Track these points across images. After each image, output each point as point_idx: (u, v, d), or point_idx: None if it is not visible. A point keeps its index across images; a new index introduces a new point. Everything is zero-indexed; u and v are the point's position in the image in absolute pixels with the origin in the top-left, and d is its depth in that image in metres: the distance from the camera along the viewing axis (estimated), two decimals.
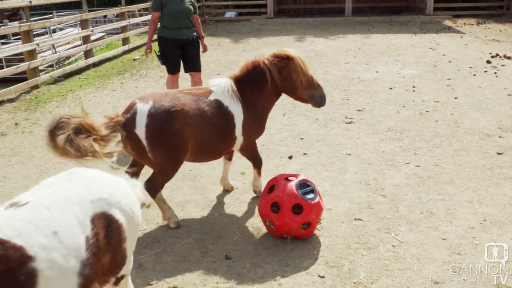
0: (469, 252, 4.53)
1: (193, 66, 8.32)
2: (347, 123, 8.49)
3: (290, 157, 6.99)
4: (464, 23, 22.61)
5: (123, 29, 17.91)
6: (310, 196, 4.68)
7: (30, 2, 12.24)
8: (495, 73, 11.97)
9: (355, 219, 5.21)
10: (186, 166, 6.72)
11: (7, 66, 13.25)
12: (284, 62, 5.09)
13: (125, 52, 17.27)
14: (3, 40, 17.18)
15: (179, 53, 8.20)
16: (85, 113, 3.79)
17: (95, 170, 2.95)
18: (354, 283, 4.15)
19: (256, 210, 5.24)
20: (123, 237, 2.76)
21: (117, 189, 2.82)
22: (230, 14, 28.53)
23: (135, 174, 5.11)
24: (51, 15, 21.27)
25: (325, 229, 5.01)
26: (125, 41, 17.76)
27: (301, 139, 7.73)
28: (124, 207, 2.77)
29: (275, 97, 5.41)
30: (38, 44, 12.62)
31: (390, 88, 10.81)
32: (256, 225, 5.16)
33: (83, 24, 15.47)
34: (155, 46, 8.29)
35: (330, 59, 14.68)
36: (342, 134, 7.90)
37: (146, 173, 5.09)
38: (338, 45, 17.27)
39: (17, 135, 8.47)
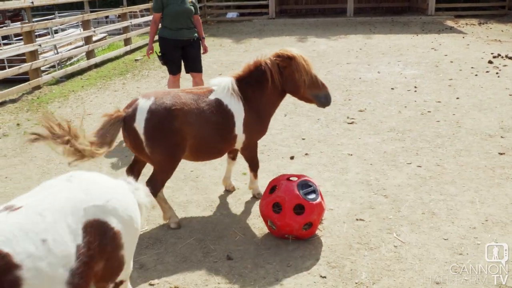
0: (471, 252, 4.52)
1: (194, 67, 8.32)
2: (348, 123, 8.49)
3: (292, 158, 6.99)
4: (466, 23, 22.60)
5: (125, 29, 17.93)
6: (312, 196, 4.68)
7: (32, 2, 12.25)
8: (497, 73, 11.96)
9: (357, 219, 5.21)
10: (188, 167, 6.73)
11: (9, 67, 13.28)
12: (286, 62, 5.06)
13: (127, 53, 17.29)
14: (5, 41, 17.18)
15: (180, 54, 8.20)
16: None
17: (96, 174, 2.92)
18: (356, 283, 4.15)
19: (258, 211, 5.24)
20: (120, 244, 2.71)
21: (115, 195, 2.76)
22: (231, 14, 28.56)
23: (136, 173, 5.18)
24: (53, 15, 21.30)
25: (326, 230, 5.01)
26: (127, 41, 17.77)
27: (303, 139, 7.73)
28: (121, 213, 2.72)
29: (278, 97, 5.37)
30: (40, 45, 12.63)
31: (392, 89, 10.81)
32: (258, 225, 5.16)
33: (85, 24, 15.48)
34: (157, 46, 8.29)
35: (332, 59, 14.69)
36: (343, 135, 7.90)
37: (146, 173, 5.09)
38: (340, 46, 17.27)
39: (19, 135, 8.48)
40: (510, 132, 7.68)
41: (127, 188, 2.96)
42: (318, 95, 5.20)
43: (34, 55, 12.14)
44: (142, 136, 4.62)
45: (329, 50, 16.31)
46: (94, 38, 16.27)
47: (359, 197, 5.72)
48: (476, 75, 11.86)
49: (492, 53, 14.44)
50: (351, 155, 7.04)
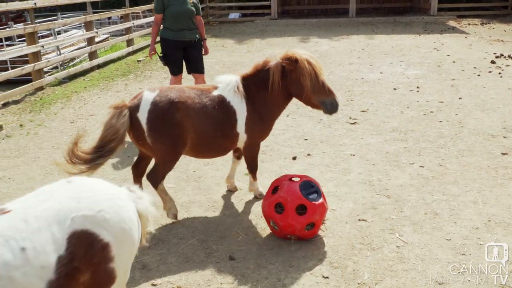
0: (474, 252, 4.52)
1: (196, 68, 8.32)
2: (351, 123, 8.49)
3: (294, 158, 7.00)
4: (468, 24, 22.58)
5: (127, 30, 17.94)
6: (314, 196, 4.68)
7: (35, 4, 12.29)
8: (499, 73, 11.95)
9: (359, 219, 5.21)
10: (190, 167, 6.74)
11: (12, 68, 13.30)
12: (293, 65, 4.98)
13: (129, 54, 17.31)
14: (8, 42, 17.21)
15: (181, 55, 8.20)
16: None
17: (97, 180, 2.86)
18: (358, 283, 4.15)
19: (260, 211, 5.24)
20: (109, 256, 2.59)
21: (110, 205, 2.64)
22: (234, 15, 28.56)
23: (141, 170, 5.29)
24: (56, 17, 21.33)
25: (329, 230, 5.01)
26: (129, 42, 17.80)
27: (305, 139, 7.73)
28: (113, 225, 2.60)
29: (284, 100, 5.32)
30: (42, 46, 12.64)
31: (394, 89, 10.81)
32: (260, 226, 5.16)
33: (88, 25, 15.49)
34: (159, 47, 8.30)
35: (334, 60, 14.69)
36: (346, 135, 7.90)
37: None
38: (342, 46, 17.27)
39: (22, 136, 8.50)
40: None
41: (127, 198, 2.85)
42: (324, 101, 5.09)
43: (37, 56, 12.16)
44: (145, 127, 4.75)
45: (331, 51, 16.31)
46: (96, 39, 16.29)
47: (362, 198, 5.72)
48: (479, 75, 11.85)
49: (494, 53, 14.43)
50: (354, 155, 7.04)
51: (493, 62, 13.23)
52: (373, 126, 8.34)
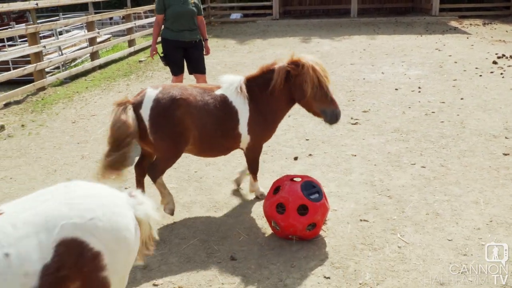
0: (475, 253, 4.51)
1: (198, 68, 8.32)
2: (352, 124, 8.48)
3: (296, 158, 6.99)
4: (470, 24, 22.57)
5: (129, 31, 17.96)
6: (316, 197, 4.68)
7: (37, 4, 12.28)
8: (501, 73, 11.94)
9: (361, 220, 5.21)
10: (192, 168, 6.75)
11: (14, 68, 13.29)
12: (298, 70, 4.93)
13: (131, 54, 17.33)
14: (9, 42, 17.21)
15: (182, 55, 8.20)
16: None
17: (95, 185, 2.78)
18: (360, 284, 4.15)
19: (262, 211, 5.24)
20: (101, 265, 2.50)
21: (103, 212, 2.54)
22: (235, 15, 28.57)
23: (143, 169, 5.33)
24: (58, 17, 21.33)
25: (330, 230, 5.01)
26: (131, 43, 17.81)
27: (307, 140, 7.73)
28: (106, 233, 2.50)
29: (287, 104, 5.27)
30: (44, 46, 12.64)
31: (396, 89, 10.80)
32: (262, 226, 5.16)
33: (89, 26, 15.52)
34: (160, 47, 8.31)
35: (335, 60, 14.68)
36: (347, 135, 7.90)
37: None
38: (343, 46, 17.27)
39: (24, 136, 8.51)
40: None
41: (125, 204, 2.74)
42: (325, 110, 5.04)
43: (38, 56, 12.17)
44: (147, 123, 4.80)
45: (333, 51, 16.31)
46: (98, 40, 16.29)
47: (363, 198, 5.72)
48: (481, 75, 11.84)
49: (496, 54, 14.42)
50: (355, 155, 7.04)
51: (495, 62, 13.21)
52: (374, 126, 8.33)
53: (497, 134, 7.66)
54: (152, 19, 19.51)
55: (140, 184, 5.41)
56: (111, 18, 24.71)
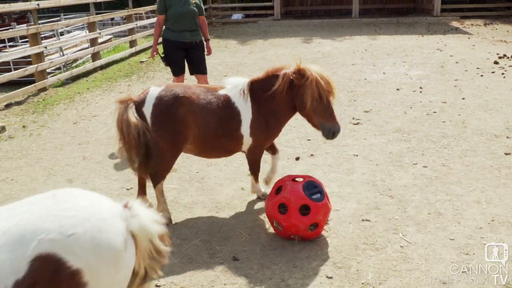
0: (477, 252, 4.51)
1: (199, 69, 8.32)
2: (354, 124, 8.48)
3: (297, 159, 6.99)
4: (471, 24, 22.57)
5: (130, 31, 17.97)
6: (317, 197, 4.67)
7: (38, 5, 12.28)
8: (502, 73, 11.93)
9: (363, 220, 5.20)
10: (193, 168, 6.74)
11: (15, 69, 13.29)
12: (301, 80, 4.87)
13: (132, 55, 17.33)
14: (11, 43, 17.22)
15: (183, 55, 8.20)
16: None
17: (85, 195, 2.59)
18: (362, 283, 4.15)
19: (263, 211, 5.24)
20: (80, 283, 2.31)
21: (86, 228, 2.35)
22: (237, 16, 28.57)
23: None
24: (59, 18, 21.35)
25: (332, 230, 5.00)
26: (132, 43, 17.82)
27: (308, 140, 7.73)
28: (87, 250, 2.32)
29: (290, 111, 5.23)
30: (45, 47, 12.64)
31: (397, 89, 10.80)
32: (264, 226, 5.16)
33: (91, 26, 15.53)
34: (161, 48, 8.31)
35: (337, 60, 14.68)
36: (349, 135, 7.89)
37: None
38: (345, 47, 17.27)
39: (25, 137, 8.51)
40: None
41: (116, 217, 2.55)
42: (323, 125, 4.99)
43: (40, 57, 12.17)
44: (149, 121, 4.83)
45: (334, 51, 16.30)
46: (99, 40, 16.30)
47: (365, 198, 5.72)
48: (482, 75, 11.84)
49: (497, 54, 14.41)
50: (357, 155, 7.03)
51: (496, 62, 13.21)
52: (376, 126, 8.33)
53: (499, 133, 7.66)
54: (154, 20, 19.48)
55: (142, 186, 5.42)
56: (112, 19, 24.72)
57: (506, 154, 6.83)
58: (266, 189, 5.73)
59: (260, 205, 5.61)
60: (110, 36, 19.62)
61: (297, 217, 4.58)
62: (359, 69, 13.31)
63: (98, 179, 6.57)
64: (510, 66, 12.75)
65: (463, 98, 9.82)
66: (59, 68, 15.32)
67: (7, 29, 16.50)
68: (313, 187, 4.74)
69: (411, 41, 17.87)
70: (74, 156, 7.47)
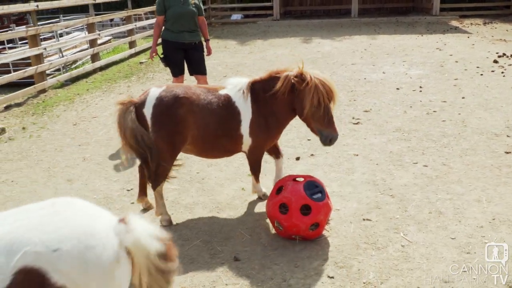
0: (479, 251, 4.51)
1: (198, 69, 8.32)
2: (354, 123, 8.48)
3: (298, 158, 6.99)
4: (471, 23, 22.56)
5: (130, 32, 17.95)
6: (318, 196, 4.67)
7: (37, 6, 12.28)
8: (502, 72, 11.93)
9: (364, 219, 5.20)
10: (194, 169, 6.74)
11: (14, 71, 13.30)
12: (302, 85, 4.83)
13: (131, 56, 17.31)
14: (10, 45, 17.23)
15: (182, 56, 8.20)
16: None
17: (83, 208, 2.52)
18: (364, 283, 4.15)
19: (264, 212, 5.23)
20: None
21: (74, 243, 2.27)
22: (236, 16, 28.56)
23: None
24: (58, 19, 21.36)
25: (333, 230, 5.00)
26: (132, 44, 17.80)
27: (308, 140, 7.72)
28: (72, 267, 2.24)
29: (289, 113, 5.19)
30: (45, 48, 12.63)
31: (397, 89, 10.79)
32: (265, 226, 5.16)
33: (90, 28, 15.51)
34: (160, 49, 8.31)
35: (336, 60, 14.67)
36: (349, 135, 7.89)
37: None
38: (344, 46, 17.26)
39: (25, 139, 8.51)
40: None
41: (109, 233, 2.44)
42: (321, 131, 4.96)
43: (39, 58, 12.16)
44: (149, 122, 4.85)
45: (333, 51, 16.30)
46: (99, 41, 16.29)
47: (366, 197, 5.71)
48: (482, 74, 11.84)
49: (497, 53, 14.42)
50: (357, 155, 7.03)
51: (495, 61, 13.21)
52: (376, 126, 8.33)
53: (499, 132, 7.66)
54: (153, 21, 19.49)
55: (142, 187, 5.42)
56: (111, 20, 24.72)
57: (507, 152, 6.83)
58: (267, 190, 5.73)
59: (261, 205, 5.60)
60: (109, 37, 19.61)
61: (298, 217, 4.58)
62: (358, 68, 13.30)
63: (99, 180, 6.57)
64: (510, 65, 12.75)
65: (463, 97, 9.82)
66: (58, 70, 15.33)
67: (6, 31, 16.49)
68: (314, 187, 4.75)
69: (410, 41, 17.87)
70: (74, 157, 7.47)
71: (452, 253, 4.51)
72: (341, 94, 10.33)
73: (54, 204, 2.44)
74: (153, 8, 19.20)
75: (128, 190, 6.18)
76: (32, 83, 12.07)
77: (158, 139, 4.85)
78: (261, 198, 5.75)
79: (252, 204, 5.68)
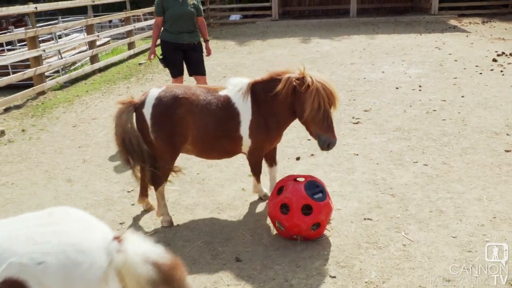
0: (480, 249, 4.51)
1: (198, 70, 8.32)
2: (354, 123, 8.48)
3: (298, 159, 6.99)
4: (470, 22, 22.56)
5: (129, 33, 17.95)
6: (319, 196, 4.67)
7: (36, 8, 12.28)
8: (501, 71, 11.94)
9: (365, 218, 5.20)
10: (194, 169, 6.74)
11: (13, 73, 13.28)
12: (303, 89, 4.79)
13: (130, 57, 17.31)
14: (9, 47, 17.24)
15: (181, 56, 8.20)
16: None
17: (79, 220, 2.44)
18: (366, 282, 4.14)
19: (265, 212, 5.23)
20: None
21: (60, 258, 2.20)
22: (235, 17, 28.55)
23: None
24: (57, 20, 21.37)
25: (334, 230, 5.00)
26: (131, 45, 17.80)
27: (308, 140, 7.70)
28: (55, 282, 2.18)
29: (290, 115, 5.16)
30: (44, 50, 12.64)
31: (397, 88, 10.80)
32: (266, 226, 5.16)
33: (89, 29, 15.52)
34: (159, 50, 8.31)
35: (335, 60, 14.67)
36: (349, 135, 7.89)
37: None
38: (343, 46, 17.26)
39: (25, 141, 8.50)
40: None
41: (101, 250, 2.34)
42: (320, 135, 4.94)
43: (38, 60, 12.14)
44: (149, 122, 4.85)
45: (332, 51, 16.30)
46: (97, 43, 16.31)
47: (366, 197, 5.71)
48: (481, 73, 11.85)
49: (496, 51, 14.43)
50: (357, 155, 7.03)
51: (494, 60, 13.22)
52: (376, 125, 8.33)
53: (499, 131, 7.66)
54: (152, 22, 19.51)
55: (143, 188, 5.42)
56: (110, 21, 24.74)
57: (507, 151, 6.83)
58: (268, 190, 5.74)
59: (262, 205, 5.61)
60: (108, 39, 19.63)
61: (299, 217, 4.58)
62: (358, 68, 13.30)
63: (99, 182, 6.56)
64: (509, 63, 12.76)
65: (462, 96, 9.83)
66: (57, 71, 15.31)
67: (5, 33, 16.47)
68: (314, 187, 4.74)
69: (409, 40, 17.88)
70: (74, 159, 7.46)
71: (453, 251, 4.51)
72: (341, 93, 10.31)
73: (51, 214, 2.39)
74: (151, 9, 19.19)
75: (129, 192, 6.18)
76: (31, 85, 12.05)
77: (157, 139, 4.87)
78: (262, 198, 5.75)
79: (253, 205, 5.68)
